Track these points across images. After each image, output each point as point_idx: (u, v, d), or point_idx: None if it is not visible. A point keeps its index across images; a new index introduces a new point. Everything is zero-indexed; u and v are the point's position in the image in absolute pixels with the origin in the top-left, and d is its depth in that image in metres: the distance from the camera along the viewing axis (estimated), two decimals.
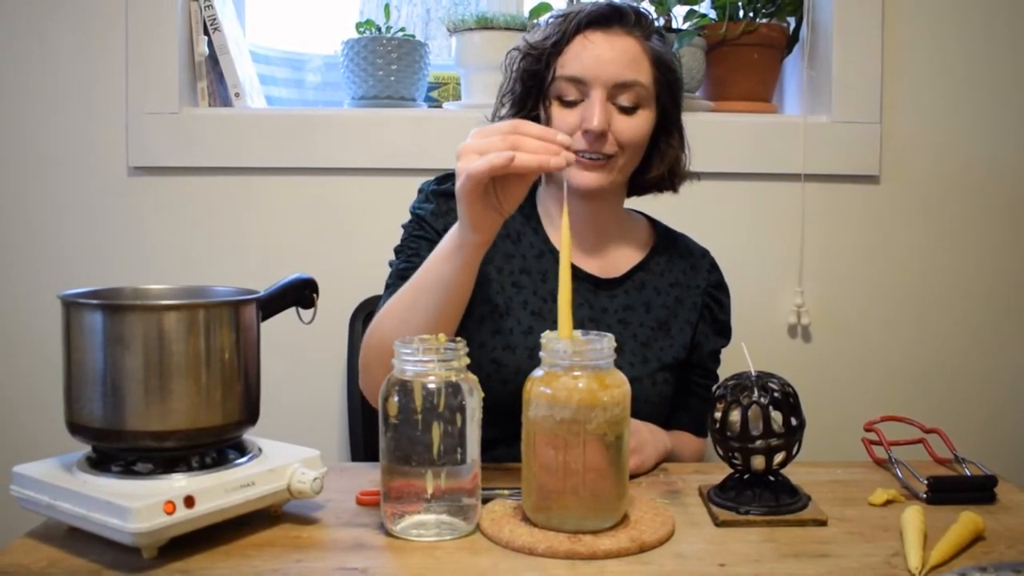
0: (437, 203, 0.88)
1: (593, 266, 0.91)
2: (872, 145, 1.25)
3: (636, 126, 0.84)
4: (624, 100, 0.83)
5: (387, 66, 1.26)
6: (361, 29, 1.29)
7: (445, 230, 0.85)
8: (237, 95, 1.26)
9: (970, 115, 1.27)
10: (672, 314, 0.91)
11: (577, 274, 0.90)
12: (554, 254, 0.90)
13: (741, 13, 1.28)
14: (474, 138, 0.68)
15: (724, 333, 0.96)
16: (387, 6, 1.33)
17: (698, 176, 0.93)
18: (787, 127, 1.25)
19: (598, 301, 0.90)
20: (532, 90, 0.86)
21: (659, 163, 0.89)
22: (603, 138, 0.83)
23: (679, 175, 0.91)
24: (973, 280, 1.29)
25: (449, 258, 0.73)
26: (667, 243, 0.95)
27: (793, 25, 1.33)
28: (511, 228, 0.90)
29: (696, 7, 1.28)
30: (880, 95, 1.25)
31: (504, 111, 0.89)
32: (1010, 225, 1.29)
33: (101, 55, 1.22)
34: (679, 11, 1.28)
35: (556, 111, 0.85)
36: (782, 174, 1.26)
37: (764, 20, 1.28)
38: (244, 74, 1.28)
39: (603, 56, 0.82)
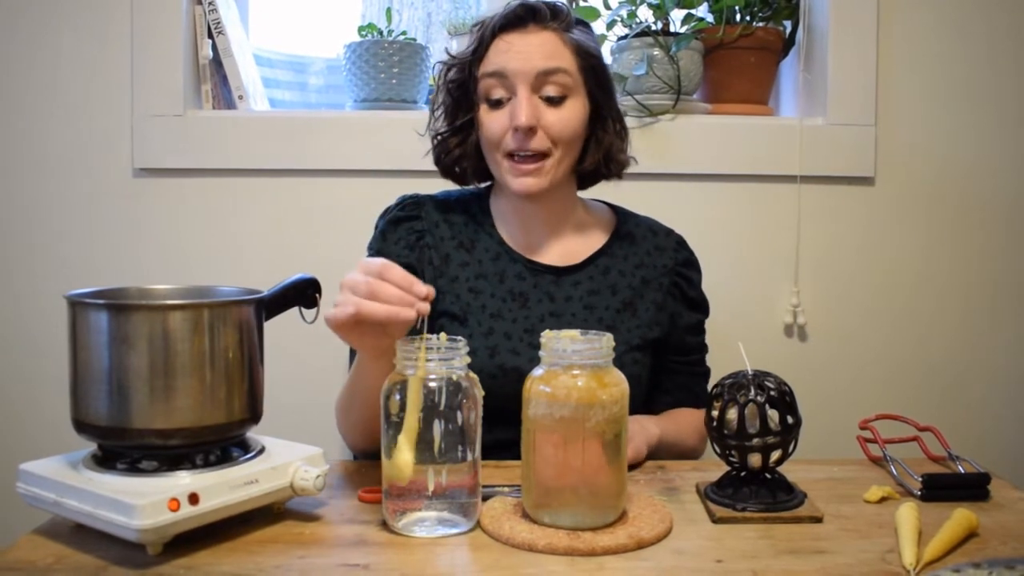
0: (383, 237, 0.92)
1: (552, 257, 0.91)
2: (867, 147, 1.26)
3: (566, 118, 0.84)
4: (550, 90, 0.84)
5: (389, 69, 1.27)
6: (363, 33, 1.30)
7: (395, 256, 0.87)
8: (241, 98, 1.27)
9: (964, 118, 1.28)
10: (638, 295, 0.92)
11: (536, 268, 0.91)
12: (510, 254, 0.91)
13: (738, 17, 1.29)
14: (355, 271, 0.68)
15: (699, 307, 0.96)
16: (388, 10, 1.35)
17: (635, 160, 0.93)
18: (783, 129, 1.26)
19: (561, 290, 0.90)
20: (461, 99, 0.87)
21: (595, 150, 0.89)
22: (532, 133, 0.83)
23: (616, 161, 0.90)
24: (967, 280, 1.30)
25: (366, 375, 0.75)
26: (630, 226, 0.95)
27: (789, 29, 1.33)
28: (463, 238, 0.91)
29: (693, 11, 1.29)
30: (875, 98, 1.25)
31: (438, 123, 0.91)
32: (1002, 226, 1.30)
33: (106, 58, 1.23)
34: (677, 15, 1.29)
35: (485, 115, 0.85)
36: (778, 176, 1.27)
37: (760, 24, 1.29)
38: (247, 77, 1.29)
39: (522, 51, 0.83)
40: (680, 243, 0.97)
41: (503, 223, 0.92)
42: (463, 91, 0.87)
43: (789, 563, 0.59)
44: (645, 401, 0.94)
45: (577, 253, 0.92)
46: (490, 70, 0.84)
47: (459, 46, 1.29)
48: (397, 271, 0.67)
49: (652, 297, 0.92)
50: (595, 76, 0.87)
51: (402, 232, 0.90)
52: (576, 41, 0.86)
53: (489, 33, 0.85)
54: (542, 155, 0.84)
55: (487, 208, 0.94)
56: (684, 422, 0.91)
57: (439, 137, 0.91)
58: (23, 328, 1.26)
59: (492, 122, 0.85)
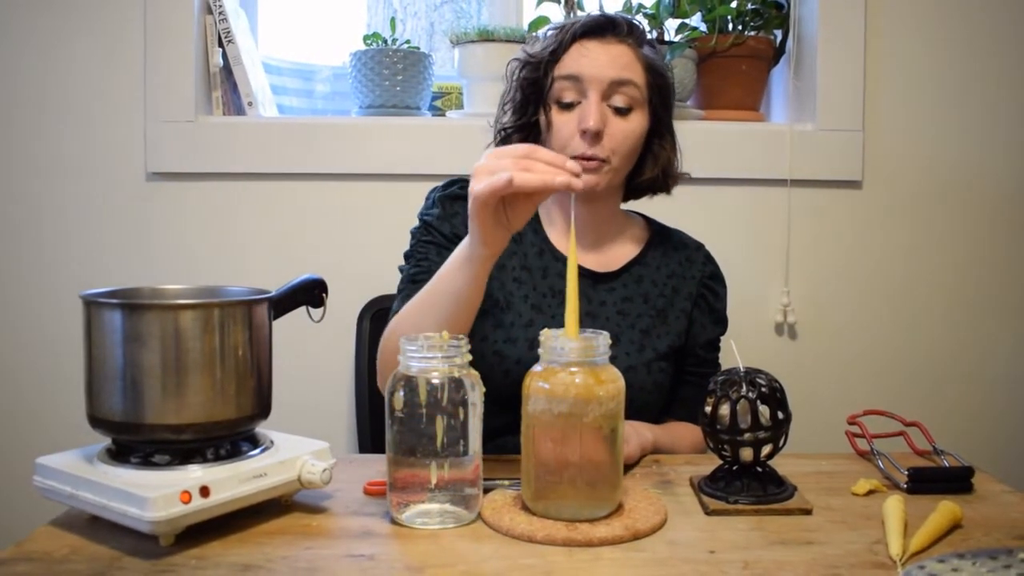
0: (443, 207, 0.91)
1: (591, 262, 0.93)
2: (855, 152, 1.28)
3: (629, 129, 0.87)
4: (619, 100, 0.86)
5: (393, 76, 1.29)
6: (368, 41, 1.31)
7: (452, 233, 0.88)
8: (250, 104, 1.28)
9: (949, 122, 1.30)
10: (669, 303, 0.94)
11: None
12: (553, 253, 0.93)
13: (730, 26, 1.31)
14: (488, 159, 0.70)
15: (721, 322, 0.98)
16: (393, 19, 1.37)
17: (689, 175, 0.96)
18: (774, 135, 1.28)
19: (596, 295, 0.92)
20: (532, 97, 0.89)
21: (653, 165, 0.92)
22: (599, 138, 0.85)
23: (672, 176, 0.94)
24: (952, 280, 1.32)
25: (460, 270, 0.76)
26: (662, 238, 0.98)
27: (780, 38, 1.36)
28: None
29: (687, 20, 1.31)
30: (863, 104, 1.28)
31: (506, 118, 0.92)
32: (986, 227, 1.32)
33: (120, 66, 1.25)
34: (671, 24, 1.32)
35: (556, 115, 0.87)
36: (769, 179, 1.29)
37: (752, 33, 1.31)
38: (257, 84, 1.31)
39: (599, 59, 0.86)
40: (708, 257, 0.99)
41: (549, 224, 0.95)
42: (535, 89, 0.88)
43: (779, 554, 0.60)
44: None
45: (614, 261, 0.94)
46: (565, 73, 0.86)
47: (464, 55, 1.32)
48: (546, 151, 0.70)
49: (681, 306, 0.94)
50: (660, 94, 0.89)
51: (460, 208, 0.90)
52: (648, 58, 0.88)
53: (569, 37, 0.87)
54: (602, 161, 0.86)
55: None
56: (679, 434, 0.93)
57: (504, 132, 0.92)
58: (39, 327, 1.27)
59: (562, 125, 0.87)
